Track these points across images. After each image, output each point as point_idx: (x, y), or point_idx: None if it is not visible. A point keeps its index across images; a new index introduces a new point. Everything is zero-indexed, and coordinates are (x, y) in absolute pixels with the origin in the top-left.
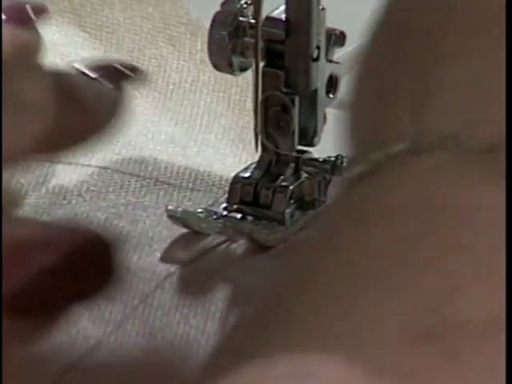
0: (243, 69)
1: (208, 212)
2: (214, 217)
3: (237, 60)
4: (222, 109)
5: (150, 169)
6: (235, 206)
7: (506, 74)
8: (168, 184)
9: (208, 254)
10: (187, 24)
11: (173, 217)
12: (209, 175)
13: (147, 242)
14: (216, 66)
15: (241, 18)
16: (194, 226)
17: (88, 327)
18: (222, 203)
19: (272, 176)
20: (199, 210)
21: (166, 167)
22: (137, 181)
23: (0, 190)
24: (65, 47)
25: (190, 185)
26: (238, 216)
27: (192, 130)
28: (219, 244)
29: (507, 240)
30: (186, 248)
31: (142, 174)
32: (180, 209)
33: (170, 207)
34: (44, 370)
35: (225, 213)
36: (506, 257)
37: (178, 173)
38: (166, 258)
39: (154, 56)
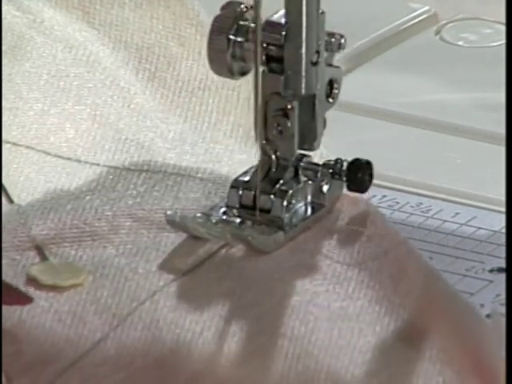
0: (243, 73)
1: (207, 216)
2: (213, 221)
3: (236, 64)
4: (230, 106)
5: (158, 164)
6: (234, 211)
7: (506, 73)
8: (176, 174)
9: (207, 259)
10: (197, 25)
11: (172, 222)
12: (217, 170)
13: (154, 242)
14: (216, 71)
15: (240, 22)
16: (192, 231)
17: (94, 321)
18: (222, 207)
19: (271, 180)
20: (198, 215)
21: (174, 163)
22: (146, 174)
23: (0, 190)
24: (74, 40)
25: (199, 175)
26: (237, 220)
27: (201, 128)
28: (219, 249)
29: (507, 241)
30: (187, 254)
31: (150, 169)
32: (179, 214)
33: (168, 212)
34: (50, 364)
35: (224, 217)
36: (506, 257)
37: (186, 168)
38: (167, 263)
39: (163, 54)
